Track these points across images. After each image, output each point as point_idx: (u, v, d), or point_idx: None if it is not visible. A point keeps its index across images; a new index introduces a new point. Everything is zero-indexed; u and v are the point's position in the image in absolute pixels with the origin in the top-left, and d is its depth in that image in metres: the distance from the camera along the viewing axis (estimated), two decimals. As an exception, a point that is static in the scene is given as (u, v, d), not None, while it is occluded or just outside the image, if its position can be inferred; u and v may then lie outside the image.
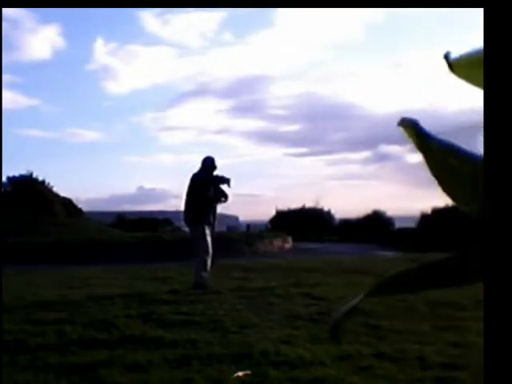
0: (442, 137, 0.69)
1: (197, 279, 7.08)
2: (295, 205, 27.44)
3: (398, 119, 0.72)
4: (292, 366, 3.49)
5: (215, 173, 7.42)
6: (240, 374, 3.31)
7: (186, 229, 8.08)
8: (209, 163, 7.38)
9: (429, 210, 22.99)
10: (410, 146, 0.71)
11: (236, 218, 35.77)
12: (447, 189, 0.68)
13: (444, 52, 0.72)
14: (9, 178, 22.67)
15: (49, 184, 23.72)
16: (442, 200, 23.65)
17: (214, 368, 3.45)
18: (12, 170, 25.68)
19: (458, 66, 0.73)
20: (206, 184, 7.31)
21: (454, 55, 0.71)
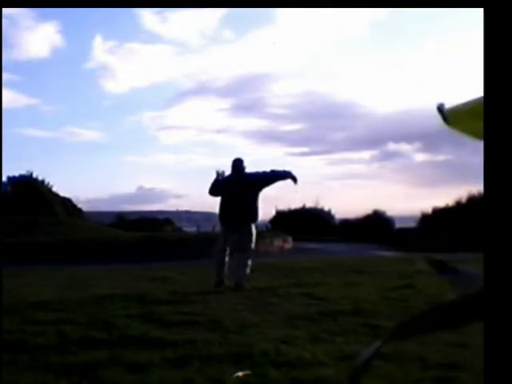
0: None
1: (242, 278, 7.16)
2: (295, 205, 27.45)
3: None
4: (292, 366, 3.49)
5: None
6: (240, 374, 3.31)
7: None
8: (239, 164, 7.43)
9: (429, 210, 23.04)
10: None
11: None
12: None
13: (437, 104, 0.72)
14: (9, 178, 22.70)
15: (48, 184, 23.74)
16: (442, 200, 23.69)
17: (214, 368, 3.45)
18: (12, 169, 25.65)
19: (453, 117, 0.73)
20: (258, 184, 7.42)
21: (447, 107, 0.72)
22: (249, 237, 7.36)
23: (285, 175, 7.42)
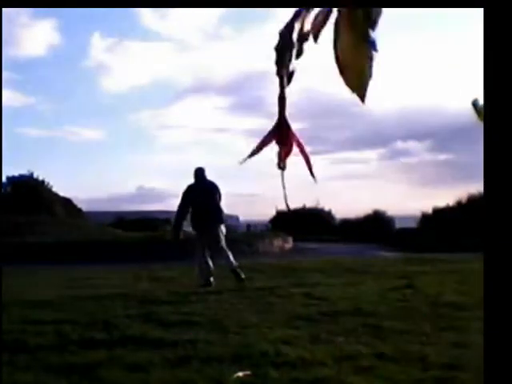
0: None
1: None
2: (296, 205, 27.44)
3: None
4: (292, 367, 3.49)
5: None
6: (240, 374, 3.31)
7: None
8: (201, 174, 7.88)
9: (430, 210, 23.03)
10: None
11: (236, 218, 35.73)
12: None
13: (472, 100, 0.73)
14: (8, 178, 22.67)
15: (48, 184, 23.73)
16: (442, 200, 23.66)
17: (214, 368, 3.45)
18: (10, 169, 25.63)
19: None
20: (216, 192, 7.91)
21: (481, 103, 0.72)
22: (217, 236, 7.71)
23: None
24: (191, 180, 7.93)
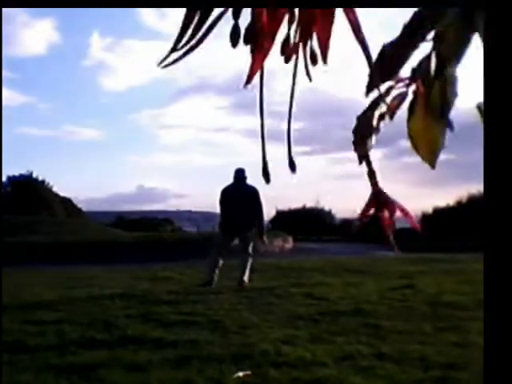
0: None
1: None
2: (295, 205, 27.48)
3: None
4: (292, 367, 3.49)
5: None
6: (240, 374, 3.31)
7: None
8: (240, 176, 7.74)
9: (430, 210, 23.03)
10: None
11: (236, 218, 35.68)
12: None
13: (477, 103, 0.74)
14: (8, 178, 22.70)
15: (48, 184, 23.76)
16: (442, 200, 23.65)
17: (214, 368, 3.45)
18: (10, 168, 25.62)
19: None
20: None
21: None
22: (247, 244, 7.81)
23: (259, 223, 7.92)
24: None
